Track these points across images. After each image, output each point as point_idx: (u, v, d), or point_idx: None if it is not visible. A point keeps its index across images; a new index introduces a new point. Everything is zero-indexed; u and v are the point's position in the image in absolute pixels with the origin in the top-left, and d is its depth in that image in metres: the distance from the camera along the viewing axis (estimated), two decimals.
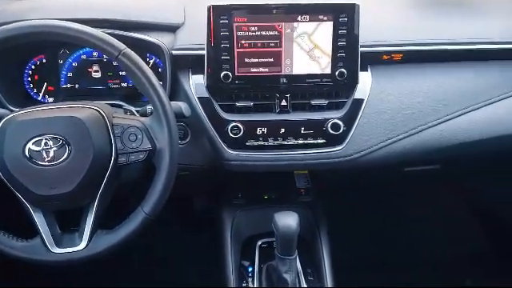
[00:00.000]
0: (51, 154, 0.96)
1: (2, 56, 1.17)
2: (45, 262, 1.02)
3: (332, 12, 1.16)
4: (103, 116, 1.02)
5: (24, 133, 0.97)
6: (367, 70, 1.25)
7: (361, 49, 1.19)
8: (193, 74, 1.22)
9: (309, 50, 1.18)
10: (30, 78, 1.31)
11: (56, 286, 1.60)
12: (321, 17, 1.16)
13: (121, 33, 1.19)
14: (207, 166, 1.24)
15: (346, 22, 1.16)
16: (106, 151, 1.00)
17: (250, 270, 1.31)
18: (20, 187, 0.98)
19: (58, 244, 1.02)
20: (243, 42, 1.16)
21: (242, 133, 1.18)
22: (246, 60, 1.17)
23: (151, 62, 1.29)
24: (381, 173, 1.46)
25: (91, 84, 1.32)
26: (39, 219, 1.02)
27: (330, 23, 1.16)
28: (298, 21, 1.16)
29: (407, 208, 2.08)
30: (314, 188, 1.47)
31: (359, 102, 1.23)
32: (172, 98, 1.19)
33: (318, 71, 1.19)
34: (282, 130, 1.20)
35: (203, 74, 1.20)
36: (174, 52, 1.21)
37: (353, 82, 1.21)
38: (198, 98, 1.20)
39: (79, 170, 0.97)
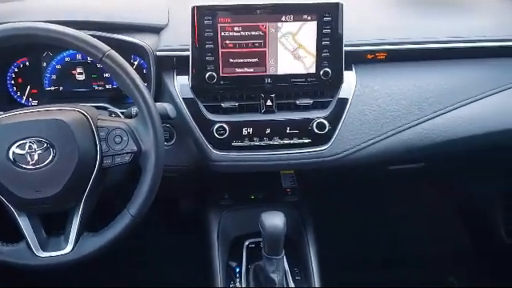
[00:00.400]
0: (35, 157, 0.96)
1: None
2: (30, 266, 1.01)
3: (316, 12, 1.16)
4: (88, 118, 1.01)
5: (8, 136, 0.96)
6: (352, 70, 1.26)
7: (345, 48, 1.20)
8: (177, 74, 1.22)
9: (293, 49, 1.18)
10: (13, 81, 1.30)
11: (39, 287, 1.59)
12: (305, 16, 1.16)
13: (104, 34, 1.19)
14: (193, 167, 1.24)
15: (329, 21, 1.17)
16: (91, 154, 0.99)
17: (238, 270, 1.31)
18: (4, 191, 0.97)
19: (44, 248, 1.01)
20: (228, 42, 1.16)
21: (227, 133, 1.18)
22: (231, 60, 1.17)
23: (135, 63, 1.29)
24: (366, 171, 1.47)
25: (75, 86, 1.31)
26: (24, 223, 1.01)
27: (314, 23, 1.17)
28: (282, 21, 1.16)
29: (392, 206, 2.10)
30: (300, 188, 1.48)
31: (344, 101, 1.23)
32: (157, 99, 1.19)
33: (302, 71, 1.20)
34: (268, 130, 1.20)
35: (188, 74, 1.19)
36: (158, 53, 1.21)
37: (337, 81, 1.22)
38: (183, 98, 1.20)
39: (64, 172, 0.96)
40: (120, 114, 1.19)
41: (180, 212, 1.90)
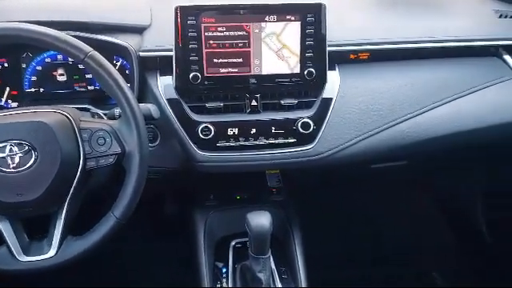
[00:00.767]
0: (16, 160, 0.94)
1: None
2: (12, 271, 0.99)
3: (299, 12, 1.17)
4: (70, 120, 1.00)
5: None
6: (335, 69, 1.27)
7: (328, 48, 1.21)
8: (161, 75, 1.21)
9: (277, 49, 1.18)
10: None
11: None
12: (288, 17, 1.17)
13: (86, 35, 1.17)
14: (178, 168, 1.23)
15: (313, 21, 1.17)
16: (73, 156, 0.98)
17: (224, 270, 1.31)
18: None
19: (26, 252, 0.99)
20: (211, 42, 1.16)
21: (212, 134, 1.18)
22: (215, 60, 1.17)
23: (118, 64, 1.27)
24: (350, 170, 1.48)
25: (56, 88, 1.29)
26: (5, 227, 0.98)
27: (298, 23, 1.17)
28: (265, 21, 1.16)
29: (376, 204, 2.12)
30: (286, 187, 1.48)
31: (328, 100, 1.24)
32: (140, 100, 1.17)
33: (287, 71, 1.20)
34: (253, 130, 1.20)
35: (172, 75, 1.19)
36: (141, 53, 1.20)
37: (321, 81, 1.23)
38: (167, 99, 1.19)
39: (46, 176, 0.95)
40: (103, 116, 1.18)
41: (165, 213, 1.89)
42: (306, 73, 1.20)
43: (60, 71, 1.28)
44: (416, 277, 1.98)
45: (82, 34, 1.16)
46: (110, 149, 1.00)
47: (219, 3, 1.15)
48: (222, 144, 1.19)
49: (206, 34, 1.15)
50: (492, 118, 1.33)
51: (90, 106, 1.22)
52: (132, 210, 1.00)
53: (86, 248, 1.00)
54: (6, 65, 1.27)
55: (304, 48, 1.19)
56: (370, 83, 1.29)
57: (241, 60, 1.18)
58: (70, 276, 1.08)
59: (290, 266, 1.34)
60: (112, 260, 1.63)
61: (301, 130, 1.20)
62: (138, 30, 1.25)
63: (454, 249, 2.10)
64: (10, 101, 1.28)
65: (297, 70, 1.20)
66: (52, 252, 0.99)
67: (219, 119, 1.19)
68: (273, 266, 1.28)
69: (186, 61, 1.16)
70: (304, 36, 1.18)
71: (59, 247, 0.99)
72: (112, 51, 1.23)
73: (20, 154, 0.94)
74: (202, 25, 1.14)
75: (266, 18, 1.16)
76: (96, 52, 0.99)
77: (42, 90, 1.28)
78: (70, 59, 1.26)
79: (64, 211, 0.99)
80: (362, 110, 1.26)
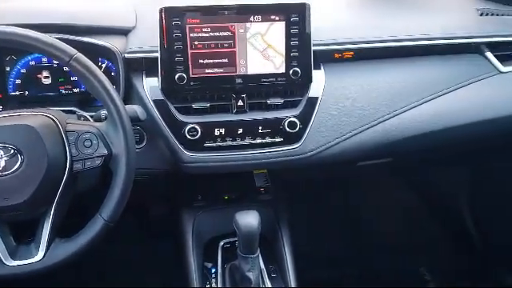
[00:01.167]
0: (2, 163, 0.93)
1: None
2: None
3: (283, 12, 1.17)
4: (56, 123, 0.99)
5: None
6: (320, 69, 1.28)
7: (313, 48, 1.22)
8: (147, 76, 1.21)
9: (262, 49, 1.19)
10: None
11: None
12: (273, 17, 1.17)
13: (71, 37, 1.17)
14: (165, 169, 1.23)
15: (297, 21, 1.18)
16: (60, 159, 0.98)
17: (213, 271, 1.31)
18: None
19: (13, 256, 0.99)
20: (197, 43, 1.16)
21: (199, 134, 1.18)
22: (201, 61, 1.17)
23: (103, 66, 1.27)
24: (337, 168, 1.50)
25: (42, 91, 1.28)
26: None
27: (283, 23, 1.18)
28: (250, 21, 1.17)
29: (363, 201, 2.14)
30: (274, 186, 1.49)
31: (314, 99, 1.25)
32: (126, 101, 1.17)
33: (272, 70, 1.20)
34: (240, 130, 1.21)
35: (157, 76, 1.19)
36: (126, 55, 1.19)
37: (307, 80, 1.23)
38: (153, 100, 1.19)
39: (33, 179, 0.94)
40: (89, 118, 1.17)
41: (153, 215, 1.89)
42: (291, 72, 1.21)
43: (45, 74, 1.27)
44: (404, 273, 2.00)
45: (66, 37, 1.16)
46: (96, 151, 1.00)
47: (204, 4, 1.16)
48: (208, 144, 1.20)
49: (191, 34, 1.15)
50: (475, 115, 1.35)
51: (75, 109, 1.21)
52: (120, 211, 1.00)
53: (74, 251, 0.99)
54: None
55: (289, 48, 1.19)
56: (355, 82, 1.30)
57: (226, 60, 1.18)
58: (58, 278, 1.07)
59: (278, 265, 1.34)
60: (100, 262, 1.62)
61: (287, 130, 1.21)
62: (123, 32, 1.25)
63: (440, 244, 2.13)
64: None
65: (282, 70, 1.21)
66: (40, 255, 0.98)
67: (206, 120, 1.20)
68: (262, 265, 1.28)
69: (172, 62, 1.16)
70: (289, 36, 1.19)
71: (47, 250, 0.99)
72: (97, 53, 1.22)
73: (6, 158, 0.93)
74: (187, 26, 1.15)
75: (251, 19, 1.17)
76: (81, 54, 0.98)
77: (26, 93, 1.27)
78: (54, 62, 1.26)
79: (51, 214, 0.98)
80: (348, 108, 1.27)
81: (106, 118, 1.05)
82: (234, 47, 1.18)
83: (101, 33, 1.23)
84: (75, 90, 1.29)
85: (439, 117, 1.33)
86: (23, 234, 1.03)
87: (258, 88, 1.22)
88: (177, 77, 1.17)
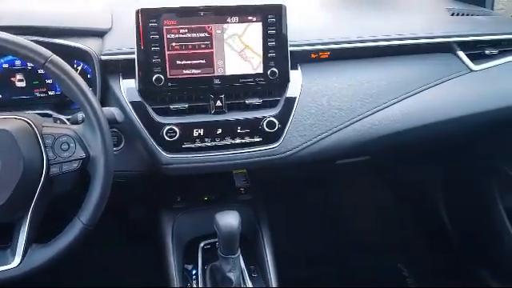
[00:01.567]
0: None
1: None
2: None
3: (260, 13, 1.18)
4: (32, 126, 0.98)
5: None
6: (297, 69, 1.29)
7: (290, 48, 1.23)
8: (123, 78, 1.20)
9: (240, 50, 1.19)
10: None
11: None
12: (249, 18, 1.18)
13: (46, 39, 1.15)
14: (144, 171, 1.22)
15: (274, 22, 1.19)
16: (36, 163, 0.96)
17: (194, 272, 1.30)
18: None
19: None
20: (174, 44, 1.16)
21: (178, 135, 1.17)
22: (178, 62, 1.17)
23: (79, 68, 1.25)
24: (316, 167, 1.51)
25: (16, 94, 1.25)
26: None
27: (259, 24, 1.19)
28: (227, 22, 1.17)
29: (341, 199, 2.16)
30: (253, 186, 1.49)
31: (292, 99, 1.26)
32: (103, 104, 1.16)
33: (250, 71, 1.21)
34: (219, 131, 1.21)
35: (134, 78, 1.18)
36: (102, 57, 1.18)
37: (284, 80, 1.24)
38: (131, 102, 1.18)
39: (9, 183, 0.92)
40: (66, 121, 1.16)
41: (133, 217, 1.87)
42: (269, 73, 1.21)
43: (19, 77, 1.25)
44: (382, 270, 2.02)
45: (41, 39, 1.14)
46: (73, 154, 0.99)
47: (181, 5, 1.15)
48: (187, 145, 1.19)
49: (168, 36, 1.15)
50: (449, 112, 1.38)
51: (51, 112, 1.20)
52: (99, 215, 0.99)
53: (52, 256, 0.98)
54: None
55: (266, 48, 1.20)
56: (332, 81, 1.32)
57: (204, 61, 1.18)
58: (33, 283, 1.05)
59: (259, 265, 1.35)
60: (78, 265, 1.60)
61: (266, 129, 1.21)
62: (99, 34, 1.24)
63: (417, 242, 2.16)
64: None
65: (260, 70, 1.21)
66: (16, 261, 0.96)
67: (184, 120, 1.19)
68: (242, 266, 1.28)
69: (149, 63, 1.16)
70: (266, 37, 1.19)
71: (23, 256, 0.97)
72: (72, 55, 1.20)
73: None
74: (164, 27, 1.14)
75: (228, 20, 1.17)
76: (56, 56, 0.97)
77: (0, 96, 1.25)
78: (29, 64, 1.24)
79: (28, 219, 0.97)
80: (325, 107, 1.29)
81: (82, 121, 1.04)
82: (212, 48, 1.18)
83: (76, 35, 1.21)
84: (50, 93, 1.27)
85: (412, 115, 1.35)
86: None
87: (237, 88, 1.22)
88: (154, 78, 1.16)
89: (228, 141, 1.21)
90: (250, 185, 1.49)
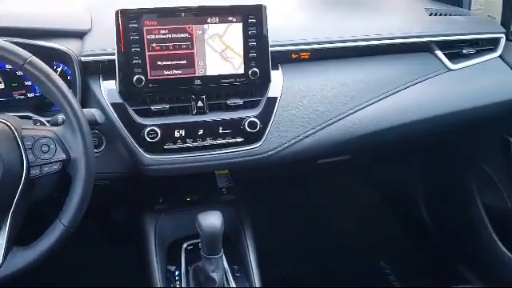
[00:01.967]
0: None
1: None
2: None
3: (240, 14, 1.19)
4: (11, 128, 0.97)
5: None
6: (278, 69, 1.30)
7: (270, 48, 1.23)
8: (104, 79, 1.19)
9: (221, 51, 1.20)
10: None
11: None
12: (230, 18, 1.18)
13: (24, 41, 1.13)
14: (125, 172, 1.22)
15: (254, 23, 1.20)
16: (16, 165, 0.95)
17: (177, 273, 1.30)
18: None
19: None
20: (154, 45, 1.16)
21: (159, 136, 1.17)
22: (159, 63, 1.17)
23: (59, 69, 1.24)
24: (297, 166, 1.52)
25: None
26: None
27: (240, 24, 1.19)
28: (207, 23, 1.17)
29: (323, 198, 2.17)
30: (236, 186, 1.49)
31: (273, 99, 1.27)
32: (84, 105, 1.15)
33: (231, 71, 1.21)
34: (200, 131, 1.21)
35: (115, 79, 1.17)
36: (82, 58, 1.17)
37: (265, 80, 1.25)
38: (111, 103, 1.17)
39: None
40: (46, 123, 1.15)
41: (115, 219, 1.86)
42: (250, 73, 1.22)
43: None
44: (365, 267, 2.04)
45: (19, 40, 1.12)
46: (54, 156, 0.98)
47: (161, 6, 1.15)
48: (169, 146, 1.19)
49: (149, 36, 1.15)
50: (426, 111, 1.40)
51: (31, 114, 1.18)
52: (80, 217, 0.99)
53: (34, 258, 0.97)
54: None
55: (247, 49, 1.21)
56: (312, 81, 1.33)
57: (185, 62, 1.18)
58: (18, 285, 1.04)
59: (242, 265, 1.35)
60: (59, 268, 1.58)
61: (248, 130, 1.22)
62: (79, 35, 1.23)
63: (399, 241, 2.19)
64: None
65: (241, 71, 1.22)
66: None
67: (165, 121, 1.19)
68: (226, 266, 1.29)
69: (129, 64, 1.15)
70: (246, 37, 1.20)
71: (4, 259, 0.96)
72: (52, 57, 1.19)
73: None
74: (144, 28, 1.14)
75: (208, 20, 1.17)
76: (35, 58, 0.96)
77: None
78: (7, 66, 1.22)
79: (8, 222, 0.96)
80: (306, 107, 1.30)
81: (63, 123, 1.03)
82: (193, 49, 1.18)
83: (55, 36, 1.20)
84: (30, 95, 1.26)
85: (393, 114, 1.37)
86: None
87: (218, 89, 1.22)
88: (135, 79, 1.16)
89: (210, 141, 1.21)
90: (232, 185, 1.49)
